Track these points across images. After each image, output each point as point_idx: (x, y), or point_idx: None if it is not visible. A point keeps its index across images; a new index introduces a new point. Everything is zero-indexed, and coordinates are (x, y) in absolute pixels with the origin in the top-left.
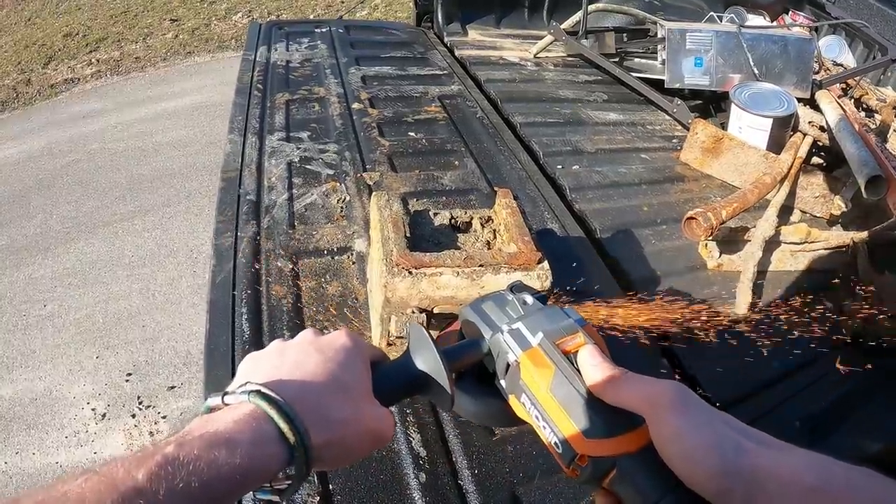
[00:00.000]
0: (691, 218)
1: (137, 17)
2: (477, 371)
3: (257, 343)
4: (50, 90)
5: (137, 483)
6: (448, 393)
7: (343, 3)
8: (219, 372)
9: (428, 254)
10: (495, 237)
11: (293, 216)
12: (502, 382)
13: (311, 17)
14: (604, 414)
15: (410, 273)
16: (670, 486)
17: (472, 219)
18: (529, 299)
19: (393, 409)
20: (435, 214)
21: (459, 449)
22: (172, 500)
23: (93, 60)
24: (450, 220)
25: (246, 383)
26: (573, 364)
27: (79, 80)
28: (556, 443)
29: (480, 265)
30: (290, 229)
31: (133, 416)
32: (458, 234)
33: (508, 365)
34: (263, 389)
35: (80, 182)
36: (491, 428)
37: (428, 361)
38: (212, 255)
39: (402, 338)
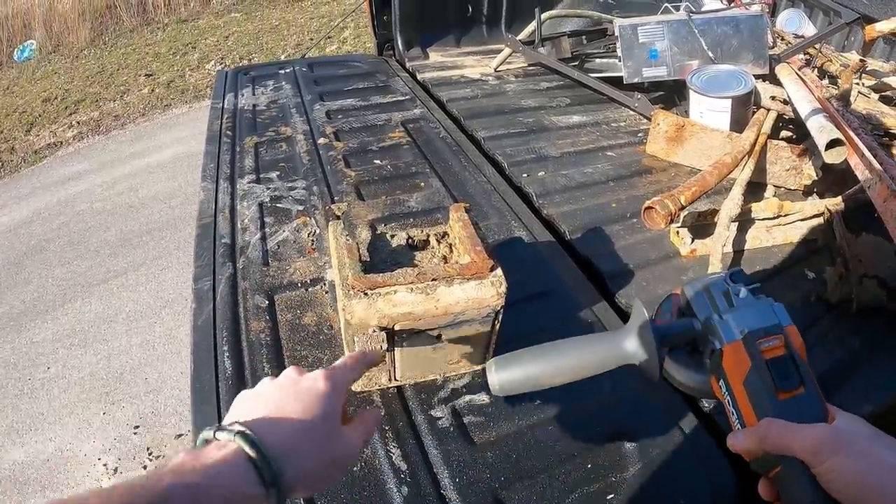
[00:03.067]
0: (649, 207)
1: (113, 75)
2: (690, 346)
3: (239, 378)
4: (34, 156)
5: None
6: (655, 367)
7: (312, 39)
8: (205, 408)
9: (382, 274)
10: (451, 251)
11: (267, 254)
12: (707, 361)
13: (283, 57)
14: (784, 417)
15: (366, 294)
16: (822, 499)
17: (428, 236)
18: (743, 292)
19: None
20: (392, 236)
21: (440, 460)
22: None
23: (73, 122)
24: (406, 240)
25: (234, 423)
26: (768, 366)
27: (61, 143)
28: (739, 428)
29: (433, 279)
30: (264, 266)
31: (144, 467)
32: (416, 253)
33: (713, 350)
34: (248, 431)
35: (72, 243)
36: (470, 437)
37: (644, 337)
38: (192, 299)
39: None
